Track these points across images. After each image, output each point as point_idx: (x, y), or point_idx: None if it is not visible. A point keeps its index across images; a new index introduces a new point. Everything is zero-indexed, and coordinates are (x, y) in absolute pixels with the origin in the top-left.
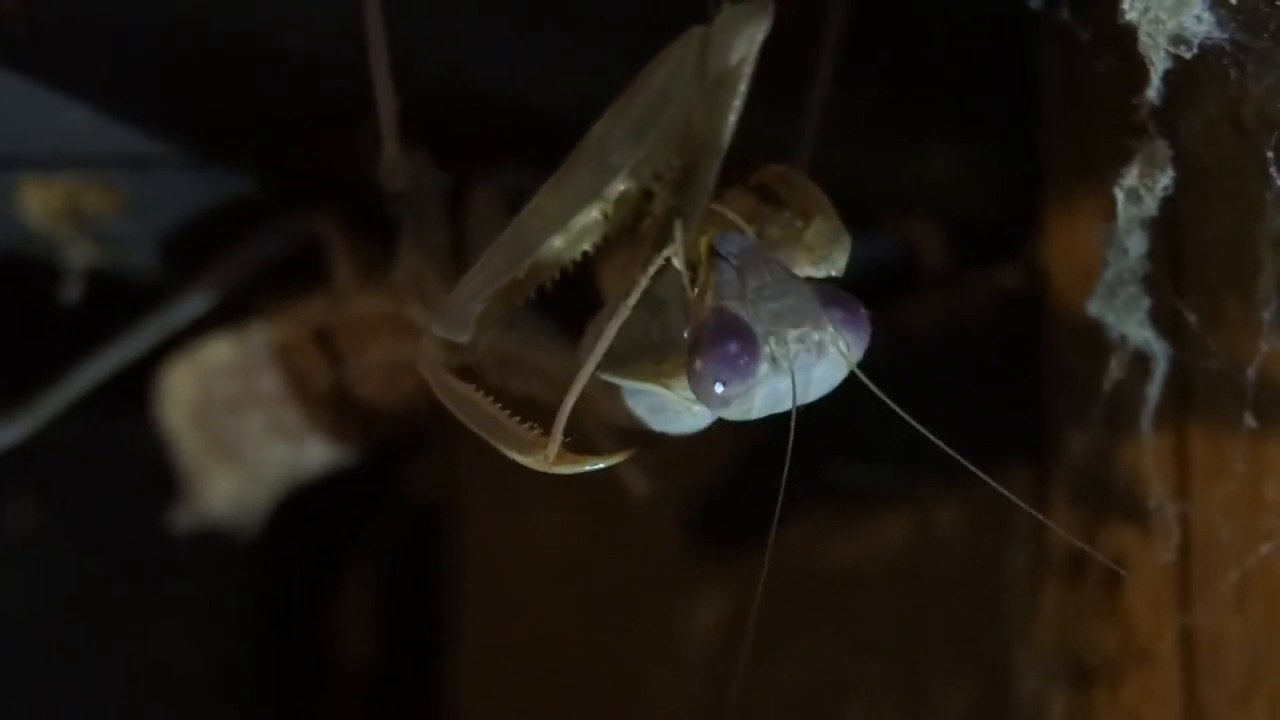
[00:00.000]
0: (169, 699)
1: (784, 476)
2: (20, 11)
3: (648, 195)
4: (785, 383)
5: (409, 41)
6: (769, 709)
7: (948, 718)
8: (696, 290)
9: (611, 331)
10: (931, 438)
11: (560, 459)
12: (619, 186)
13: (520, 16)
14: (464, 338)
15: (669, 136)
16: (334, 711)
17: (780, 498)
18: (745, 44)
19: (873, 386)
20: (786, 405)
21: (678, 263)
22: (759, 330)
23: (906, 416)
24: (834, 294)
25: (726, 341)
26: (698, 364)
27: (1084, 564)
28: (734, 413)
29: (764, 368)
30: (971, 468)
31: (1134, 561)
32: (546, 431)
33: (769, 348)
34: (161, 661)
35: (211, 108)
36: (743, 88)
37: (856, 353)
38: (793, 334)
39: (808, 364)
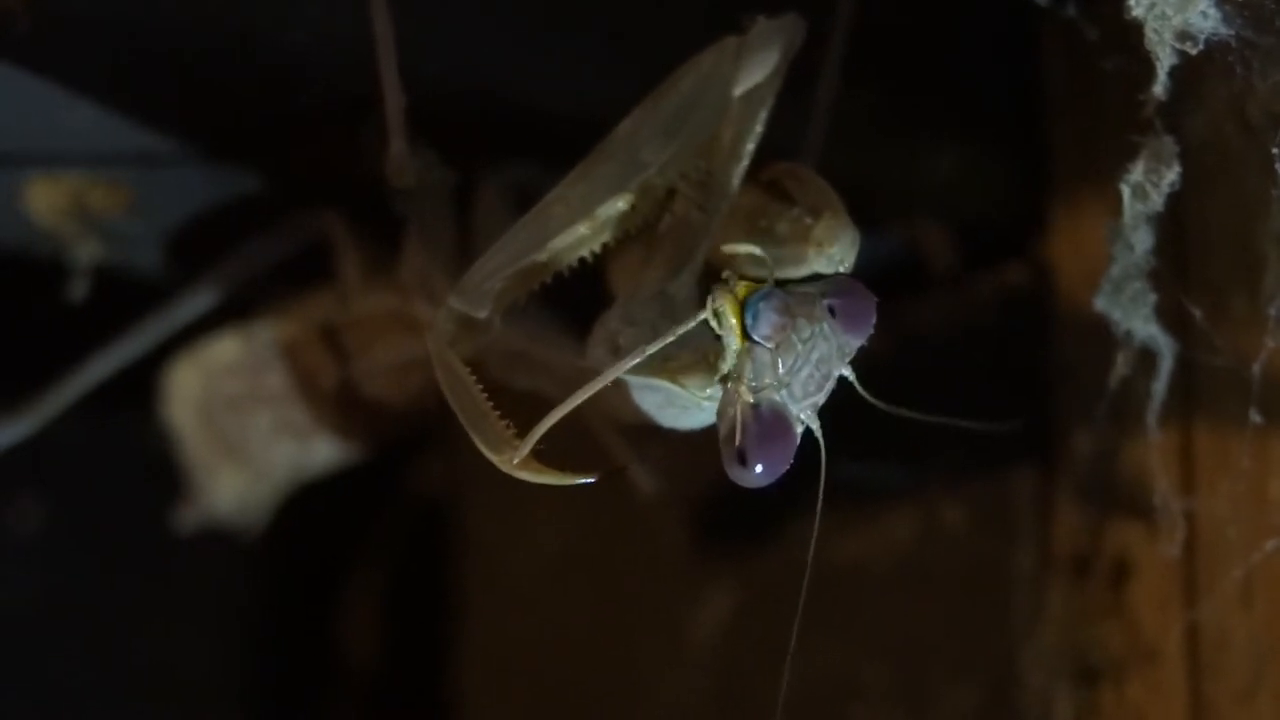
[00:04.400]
0: (172, 697)
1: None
2: (26, 10)
3: (670, 194)
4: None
5: (416, 39)
6: (773, 708)
7: (954, 716)
8: (729, 369)
9: (634, 358)
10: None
11: (524, 465)
12: (646, 180)
13: (526, 14)
14: (481, 313)
15: (697, 139)
16: (338, 709)
17: (820, 505)
18: (776, 57)
19: (860, 389)
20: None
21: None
22: (795, 412)
23: (879, 404)
24: (843, 295)
25: (774, 441)
26: (746, 458)
27: (1089, 562)
28: (755, 484)
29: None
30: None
31: (1139, 559)
32: (522, 434)
33: (801, 424)
34: (165, 660)
35: (217, 105)
36: (770, 99)
37: (857, 346)
38: (822, 396)
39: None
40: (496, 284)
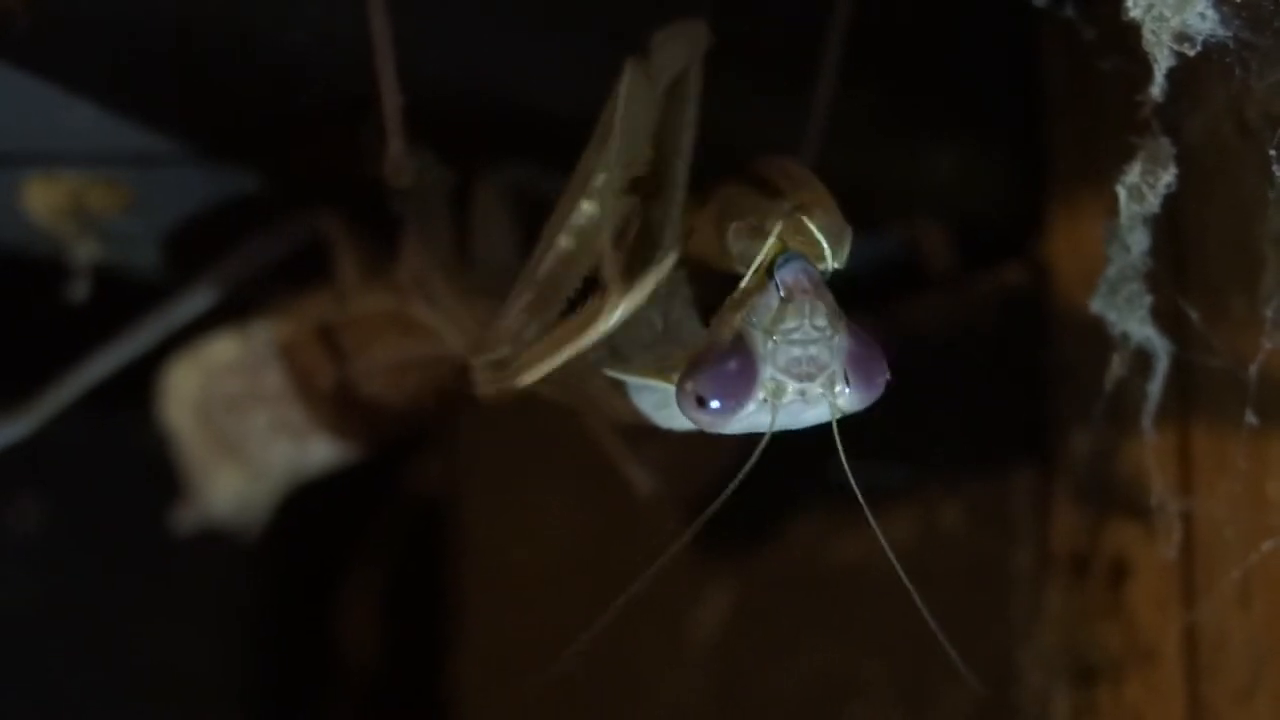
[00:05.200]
0: (172, 697)
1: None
2: (26, 10)
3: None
4: (768, 416)
5: (414, 38)
6: (773, 707)
7: (952, 715)
8: (734, 297)
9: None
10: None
11: (625, 283)
12: (603, 183)
13: (526, 14)
14: (504, 351)
15: (634, 136)
16: (337, 709)
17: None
18: (681, 58)
19: (839, 444)
20: (764, 429)
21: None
22: (765, 372)
23: (850, 476)
24: (863, 343)
25: (732, 378)
26: (689, 381)
27: (1088, 563)
28: (705, 426)
29: (750, 408)
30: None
31: (1137, 559)
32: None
33: (765, 392)
34: (164, 659)
35: (216, 105)
36: (693, 93)
37: (856, 405)
38: (795, 386)
39: (797, 410)
40: (513, 326)
